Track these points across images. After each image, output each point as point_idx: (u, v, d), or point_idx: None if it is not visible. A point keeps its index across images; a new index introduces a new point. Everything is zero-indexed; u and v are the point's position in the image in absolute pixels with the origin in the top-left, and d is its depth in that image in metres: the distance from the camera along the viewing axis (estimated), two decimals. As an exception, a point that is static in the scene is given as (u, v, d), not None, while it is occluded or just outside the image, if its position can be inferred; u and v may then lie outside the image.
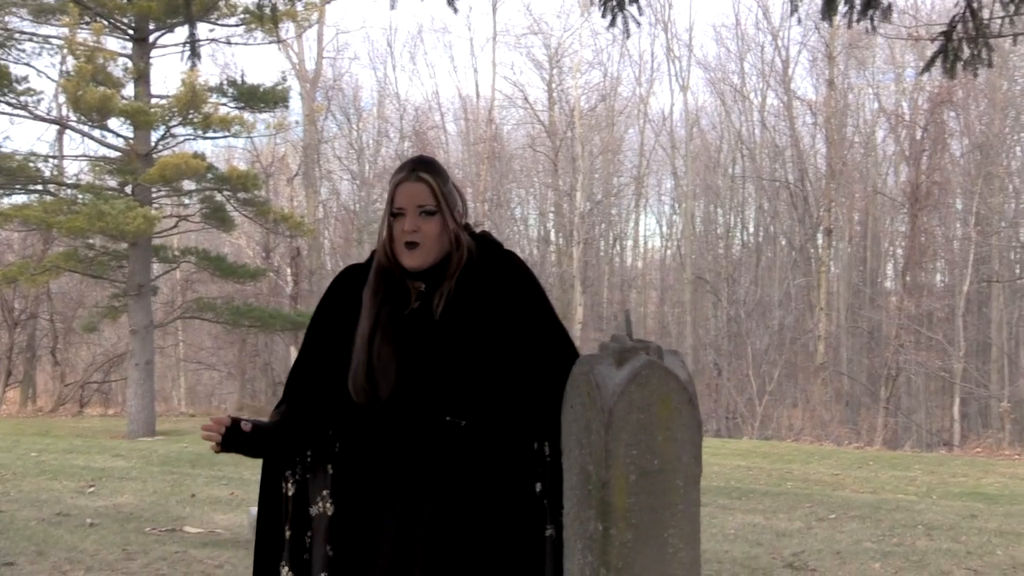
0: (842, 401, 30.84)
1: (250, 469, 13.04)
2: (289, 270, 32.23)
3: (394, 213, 3.00)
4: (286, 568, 3.08)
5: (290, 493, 3.07)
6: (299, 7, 25.44)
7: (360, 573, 2.98)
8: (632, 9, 4.74)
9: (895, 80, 35.40)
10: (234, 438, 2.93)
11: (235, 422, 2.94)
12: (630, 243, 43.80)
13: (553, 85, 37.58)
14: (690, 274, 37.12)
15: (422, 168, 3.02)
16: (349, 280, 3.14)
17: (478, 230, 3.19)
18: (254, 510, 8.02)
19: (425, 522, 2.93)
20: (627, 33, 4.93)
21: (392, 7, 4.30)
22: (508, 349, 2.99)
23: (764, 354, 31.25)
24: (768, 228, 38.57)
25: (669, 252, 43.30)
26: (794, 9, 6.81)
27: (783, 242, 37.87)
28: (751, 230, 40.00)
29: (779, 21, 35.58)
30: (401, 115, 39.53)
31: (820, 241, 32.65)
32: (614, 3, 4.65)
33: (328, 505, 3.07)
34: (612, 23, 4.79)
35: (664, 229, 43.75)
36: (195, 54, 6.12)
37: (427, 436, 2.97)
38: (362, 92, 44.28)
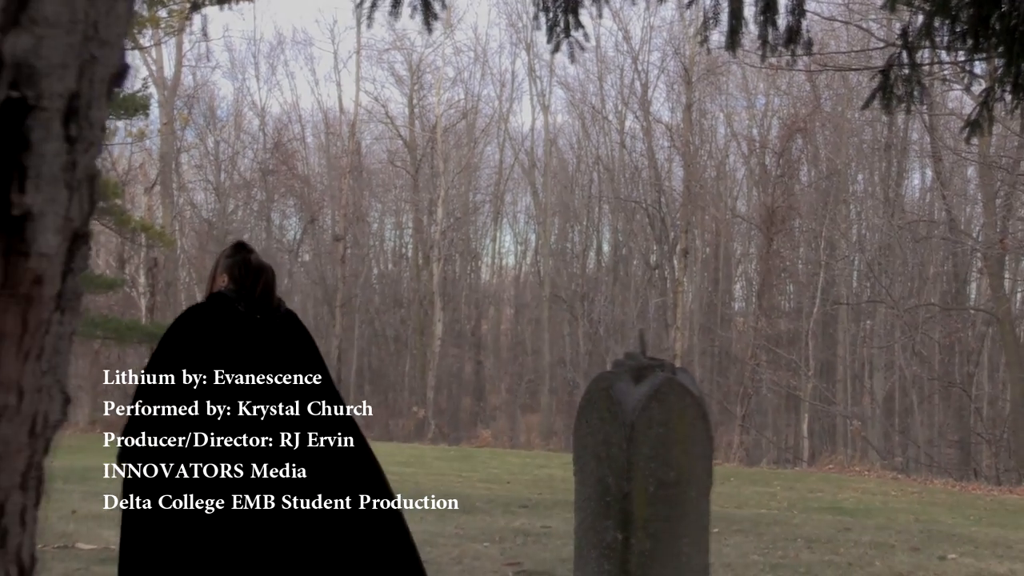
0: (696, 418, 31.55)
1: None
2: (145, 281, 31.48)
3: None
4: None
5: None
6: (162, 14, 24.99)
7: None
8: (578, 35, 4.90)
9: (747, 107, 36.57)
10: None
11: None
12: (486, 260, 44.20)
13: (414, 101, 37.69)
14: (548, 292, 37.58)
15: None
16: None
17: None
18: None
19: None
20: (572, 58, 5.11)
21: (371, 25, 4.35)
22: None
23: (621, 372, 31.80)
24: (623, 248, 39.34)
25: (524, 269, 43.80)
26: (703, 40, 7.04)
27: (635, 262, 38.70)
28: (606, 249, 40.76)
29: (639, 44, 36.44)
30: (261, 126, 39.11)
31: (676, 262, 33.43)
32: (560, 30, 4.79)
33: None
34: (556, 48, 4.94)
35: (519, 247, 44.26)
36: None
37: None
38: (220, 101, 43.52)
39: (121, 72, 0.92)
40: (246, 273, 4.18)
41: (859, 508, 14.45)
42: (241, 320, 4.06)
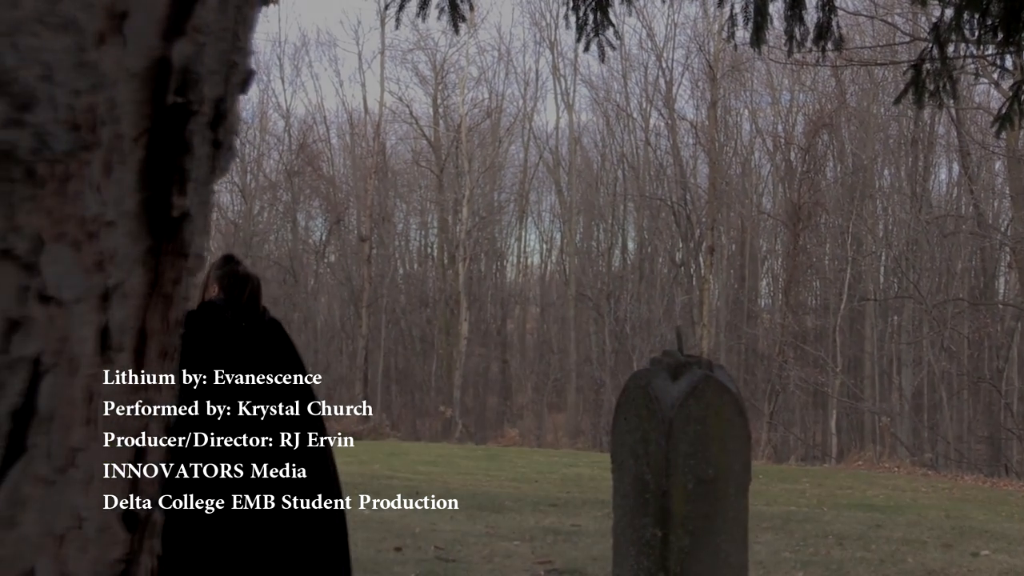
0: (723, 416, 31.44)
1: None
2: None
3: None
4: None
5: None
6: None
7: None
8: (608, 34, 4.91)
9: (772, 103, 36.44)
10: None
11: None
12: (512, 259, 44.23)
13: (438, 101, 37.75)
14: (574, 291, 37.56)
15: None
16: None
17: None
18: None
19: None
20: (602, 57, 5.11)
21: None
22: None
23: (648, 370, 31.74)
24: (648, 246, 39.27)
25: (549, 268, 43.80)
26: (730, 36, 7.02)
27: (660, 259, 38.64)
28: (631, 247, 40.70)
29: (663, 42, 36.38)
30: (286, 127, 39.26)
31: (702, 259, 33.37)
32: (590, 29, 4.80)
33: None
34: (587, 48, 4.95)
35: (544, 246, 44.27)
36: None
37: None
38: (245, 103, 43.64)
39: (248, 78, 0.94)
40: (234, 283, 4.42)
41: (889, 505, 14.38)
42: (228, 326, 4.25)
